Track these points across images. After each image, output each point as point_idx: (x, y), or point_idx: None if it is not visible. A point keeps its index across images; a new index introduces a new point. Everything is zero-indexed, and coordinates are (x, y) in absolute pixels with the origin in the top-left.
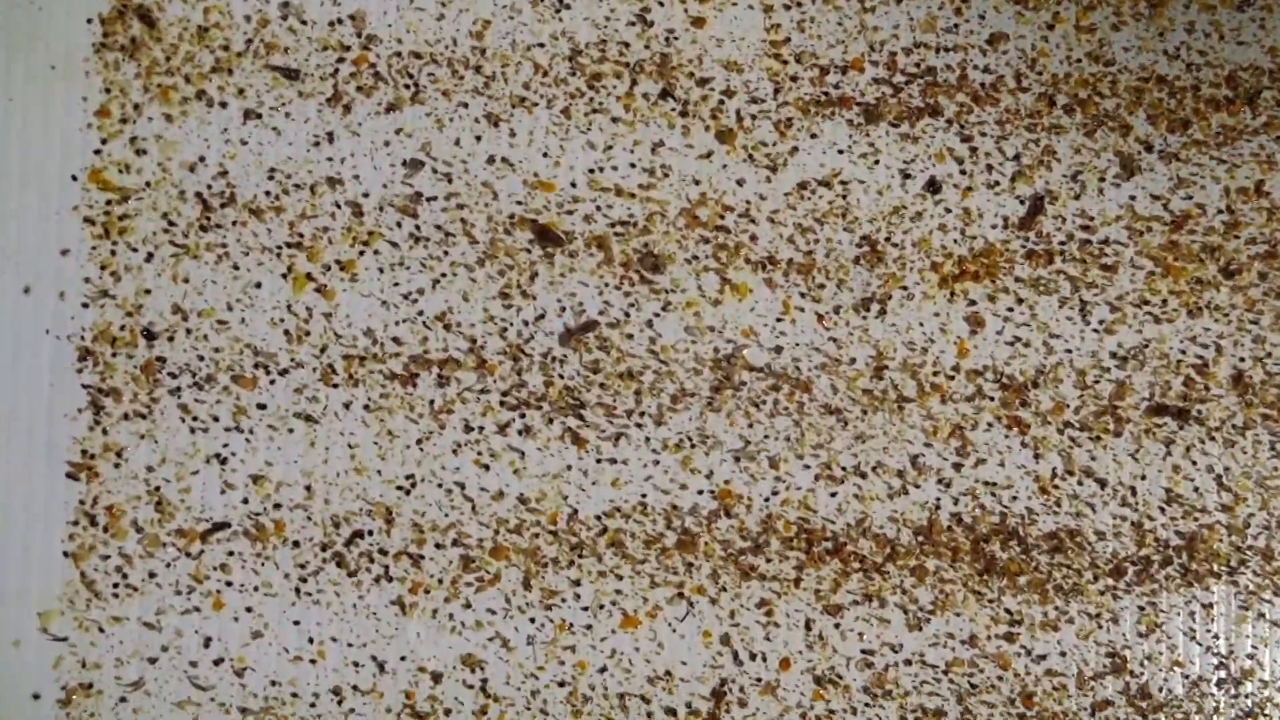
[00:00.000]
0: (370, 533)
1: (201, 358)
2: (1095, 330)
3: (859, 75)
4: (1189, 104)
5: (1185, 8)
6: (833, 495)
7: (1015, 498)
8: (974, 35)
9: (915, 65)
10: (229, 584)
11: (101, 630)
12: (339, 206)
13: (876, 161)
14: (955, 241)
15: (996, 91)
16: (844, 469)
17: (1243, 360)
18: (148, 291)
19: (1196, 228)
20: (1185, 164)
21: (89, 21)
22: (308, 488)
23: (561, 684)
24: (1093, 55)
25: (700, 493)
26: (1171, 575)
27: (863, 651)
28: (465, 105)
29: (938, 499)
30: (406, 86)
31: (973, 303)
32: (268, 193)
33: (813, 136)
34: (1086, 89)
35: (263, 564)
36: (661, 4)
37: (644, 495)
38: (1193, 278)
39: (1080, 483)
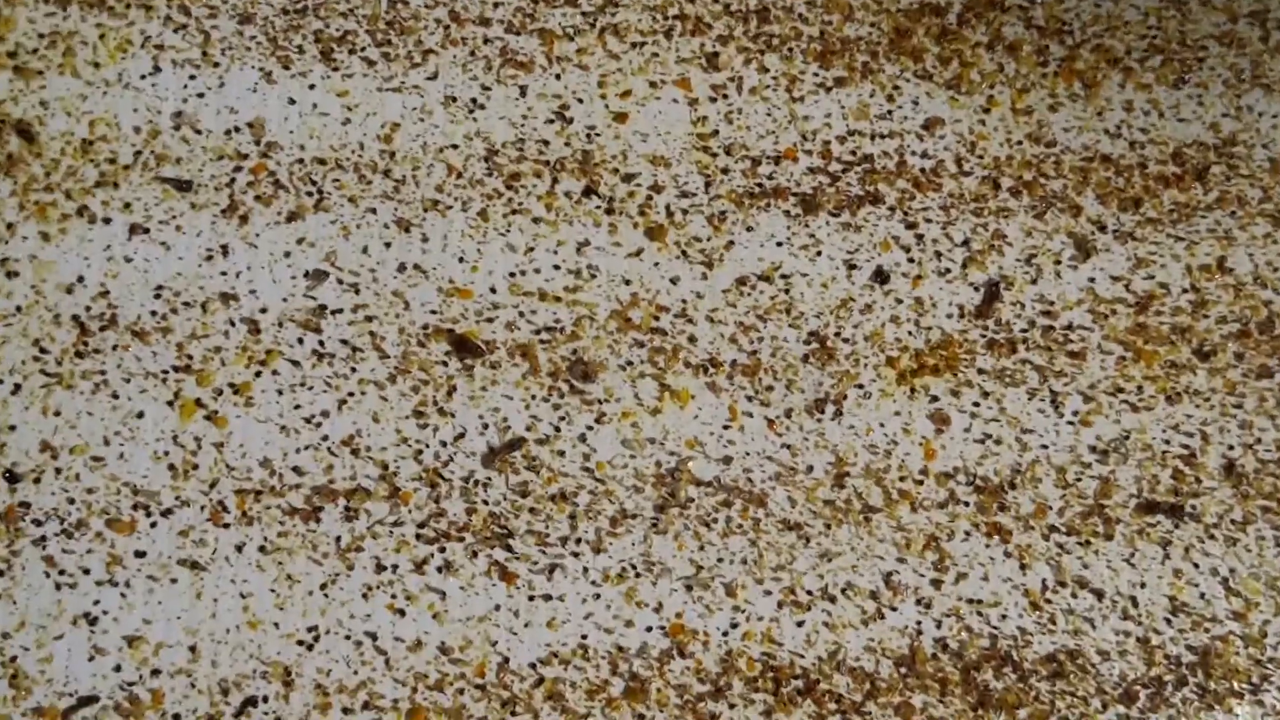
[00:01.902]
0: (265, 699)
1: (72, 500)
2: (1070, 423)
3: (793, 165)
4: (1138, 182)
5: (1120, 87)
6: (800, 624)
7: (1005, 616)
8: (909, 121)
9: (851, 153)
10: None
11: None
12: (233, 324)
13: (819, 253)
14: (910, 334)
15: (938, 176)
16: (810, 593)
17: (1231, 449)
18: (12, 428)
19: (1163, 308)
20: (1142, 243)
21: None
22: (192, 648)
23: None
24: (1033, 137)
25: (649, 629)
26: (1189, 698)
27: None
28: (373, 211)
29: (918, 622)
30: (309, 194)
31: (935, 399)
32: (154, 312)
33: (749, 229)
34: (1031, 170)
35: None
36: (581, 100)
37: (584, 636)
38: (1166, 361)
39: (1074, 595)
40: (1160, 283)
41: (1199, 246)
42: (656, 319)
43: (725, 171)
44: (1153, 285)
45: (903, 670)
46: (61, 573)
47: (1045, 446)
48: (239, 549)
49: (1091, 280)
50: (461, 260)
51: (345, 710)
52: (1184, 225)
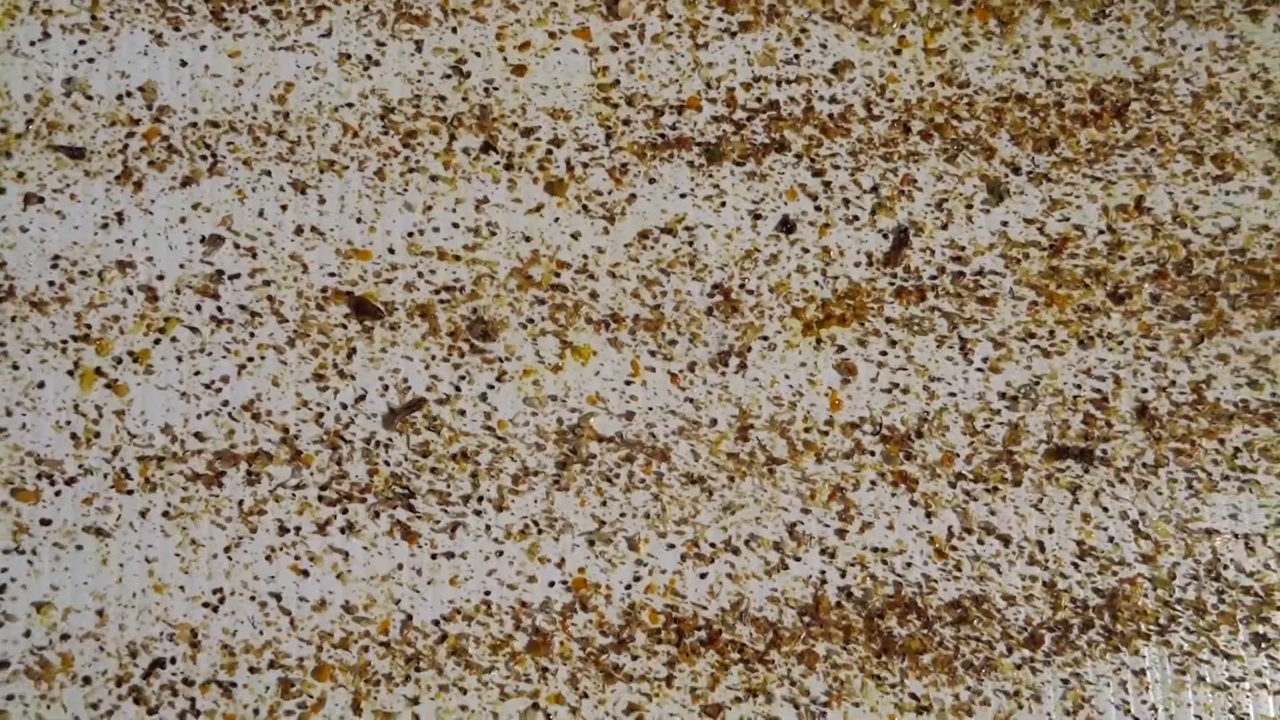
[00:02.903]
0: (173, 660)
1: None
2: (979, 370)
3: (696, 114)
4: (1054, 122)
5: (1038, 23)
6: (703, 576)
7: (909, 564)
8: (817, 65)
9: (756, 100)
10: None
11: None
12: (131, 292)
13: (723, 204)
14: (817, 284)
15: (846, 122)
16: (713, 545)
17: (1145, 391)
18: None
19: (1078, 251)
20: (1057, 184)
21: None
22: (100, 612)
23: None
24: (945, 78)
25: (551, 584)
26: (1095, 640)
27: None
28: (268, 173)
29: (822, 572)
30: (203, 158)
31: (841, 349)
32: (51, 282)
33: (651, 181)
34: (942, 113)
35: (48, 707)
36: (478, 54)
37: (487, 593)
38: (1080, 305)
39: (981, 541)
40: (1075, 225)
41: (1116, 186)
42: (557, 275)
43: (627, 123)
44: (1067, 228)
45: (806, 619)
46: None
47: (954, 394)
48: (143, 515)
49: (1004, 224)
50: (359, 221)
51: (252, 670)
52: (1101, 165)
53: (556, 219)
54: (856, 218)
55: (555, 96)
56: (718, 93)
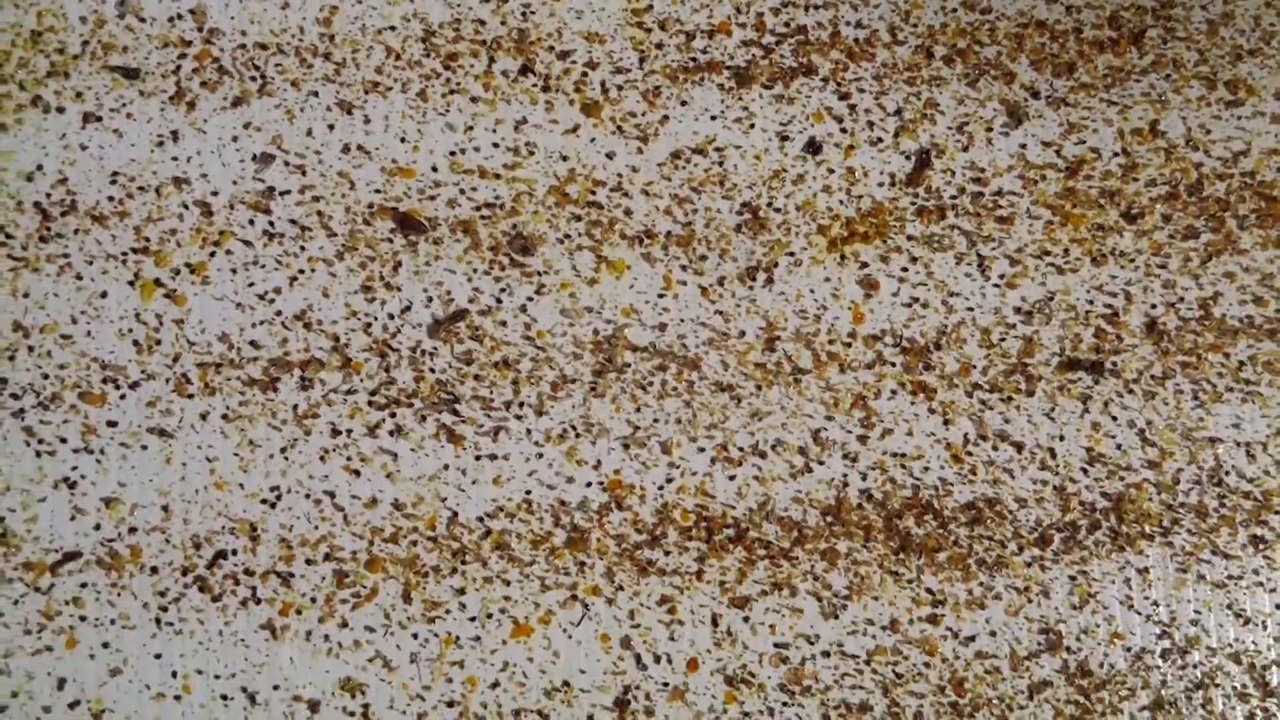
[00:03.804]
0: (234, 552)
1: (46, 376)
2: (996, 285)
3: (727, 39)
4: (1072, 47)
5: None
6: (731, 479)
7: (927, 469)
8: None
9: (785, 25)
10: (83, 619)
11: None
12: (187, 207)
13: (752, 125)
14: (841, 203)
15: (871, 46)
16: (741, 449)
17: (1154, 307)
18: None
19: (1093, 173)
20: (1075, 108)
21: None
22: (165, 508)
23: (450, 704)
24: (968, 4)
25: (589, 485)
26: (1101, 540)
27: (776, 646)
28: (316, 94)
29: (844, 475)
30: (253, 79)
31: (864, 265)
32: (111, 198)
33: (683, 104)
34: (965, 38)
35: (119, 594)
36: None
37: (528, 492)
38: (1093, 224)
39: (995, 448)
40: (1091, 147)
41: (1132, 110)
42: (593, 193)
43: (659, 47)
44: (1083, 150)
45: (829, 519)
46: (40, 441)
47: (971, 309)
48: (203, 417)
49: (1023, 147)
50: (403, 140)
51: (308, 561)
52: (1118, 90)
53: (592, 139)
54: (880, 140)
55: (590, 20)
56: (747, 17)
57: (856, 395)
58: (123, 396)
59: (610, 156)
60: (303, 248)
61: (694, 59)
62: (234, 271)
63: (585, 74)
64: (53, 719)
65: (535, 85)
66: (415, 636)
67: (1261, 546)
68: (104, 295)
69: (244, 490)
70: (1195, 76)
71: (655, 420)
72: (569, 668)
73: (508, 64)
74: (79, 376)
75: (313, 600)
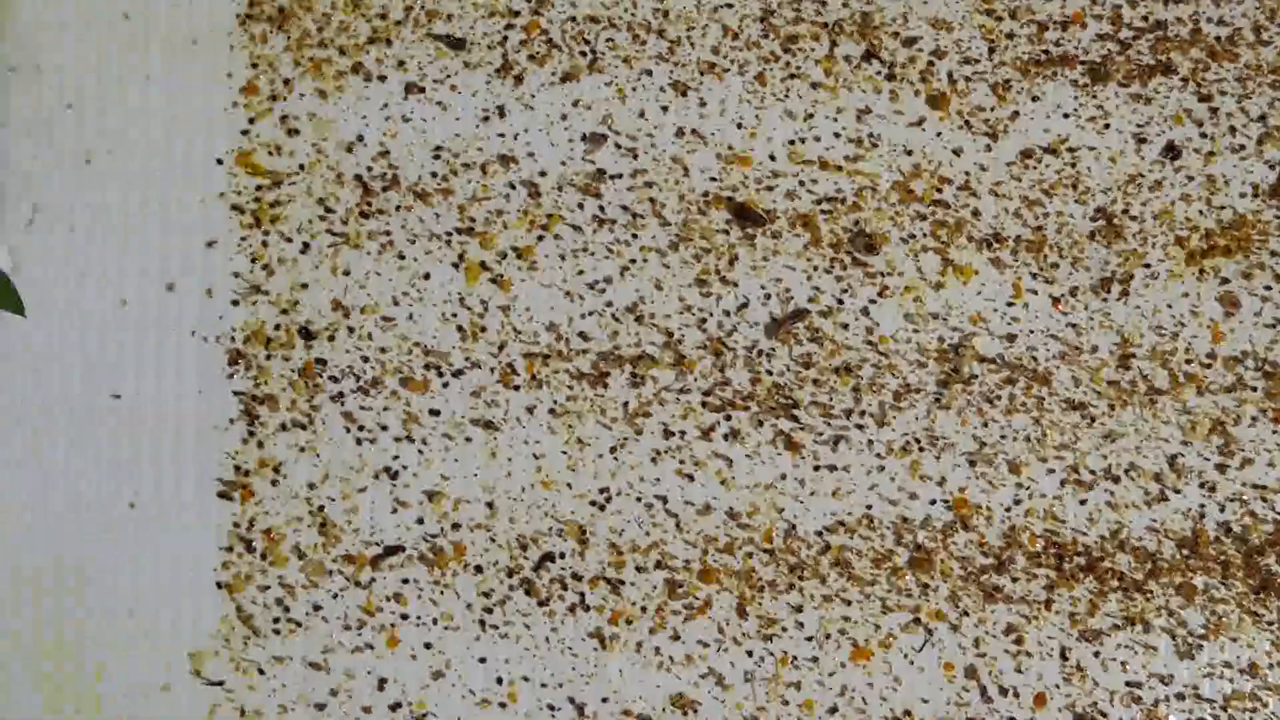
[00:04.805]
0: (562, 555)
1: (366, 359)
2: None
3: (1081, 31)
4: None
5: None
6: (1082, 503)
7: None
8: None
9: (1142, 19)
10: (404, 617)
11: (261, 672)
12: (513, 187)
13: (1107, 125)
14: (1201, 213)
15: (1234, 46)
16: (1093, 473)
17: None
18: (304, 286)
19: None
20: None
21: None
22: (489, 504)
23: None
24: None
25: (933, 503)
26: None
27: (1127, 684)
28: (649, 73)
29: (1201, 506)
30: (583, 54)
31: (1225, 281)
32: (434, 174)
33: (1034, 99)
34: None
35: (441, 593)
36: None
37: (869, 506)
38: None
39: None
40: None
41: None
42: (939, 191)
43: (1010, 37)
44: None
45: (1185, 552)
46: (361, 428)
47: None
48: (530, 411)
49: None
50: (739, 126)
51: (639, 569)
52: None
53: (939, 133)
54: (1243, 146)
55: (937, 6)
56: (1103, 9)
57: (1215, 420)
58: (446, 385)
59: (957, 153)
60: (634, 236)
61: (1046, 51)
62: (562, 258)
63: (931, 63)
64: None
65: (879, 73)
66: (750, 654)
67: None
68: (426, 277)
69: (572, 490)
70: None
71: (1002, 437)
72: (910, 696)
73: (850, 49)
74: (400, 361)
75: (643, 610)
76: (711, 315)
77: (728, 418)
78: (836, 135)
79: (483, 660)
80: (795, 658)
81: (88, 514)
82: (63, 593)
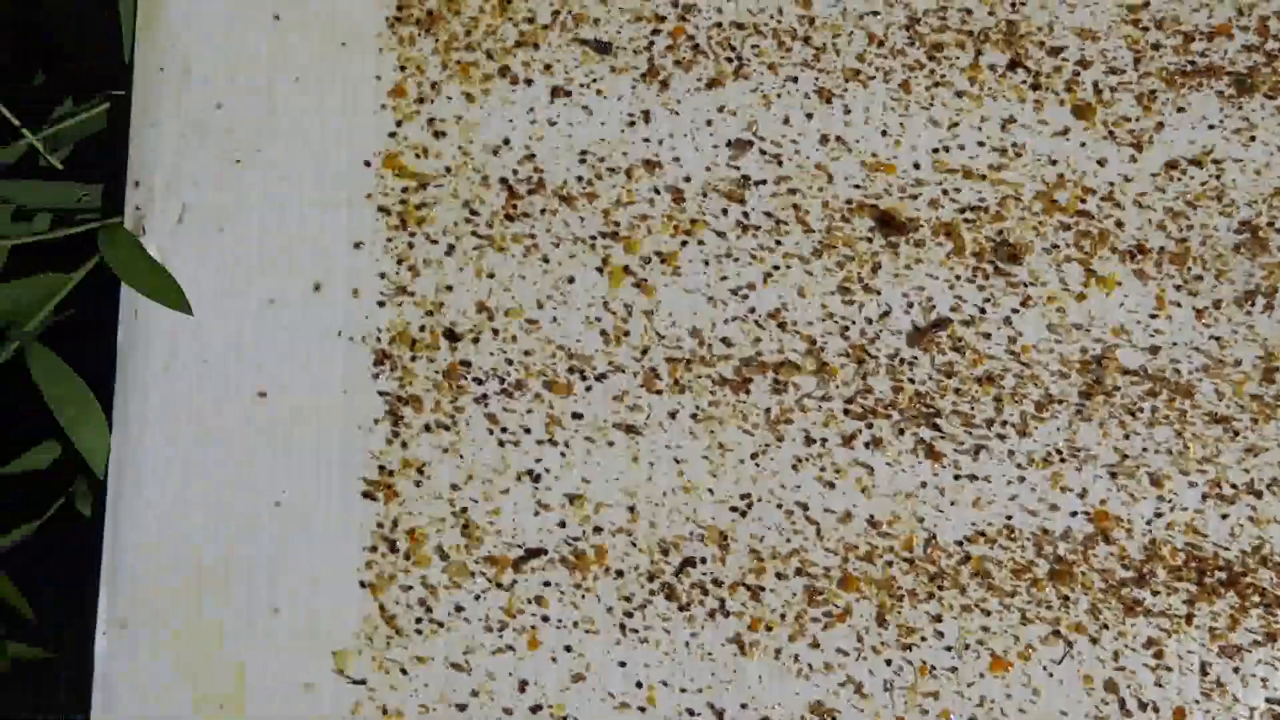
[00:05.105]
0: (703, 560)
1: (510, 361)
2: None
3: (1227, 42)
4: None
5: None
6: (1224, 517)
7: None
8: None
9: None
10: (545, 619)
11: (404, 672)
12: (658, 192)
13: (1253, 138)
14: None
15: None
16: (1235, 487)
17: None
18: (449, 288)
19: None
20: None
21: None
22: (631, 509)
23: None
24: None
25: (1074, 514)
26: None
27: (1268, 701)
28: (794, 80)
29: None
30: (729, 60)
31: None
32: (579, 177)
33: (1180, 110)
34: None
35: (583, 596)
36: None
37: (1009, 517)
38: None
39: None
40: None
41: None
42: (1083, 201)
43: (1156, 47)
44: None
45: None
46: (504, 430)
47: None
48: (672, 415)
49: None
50: (884, 134)
51: (779, 575)
52: None
53: (1083, 144)
54: None
55: (1083, 16)
56: (1249, 20)
57: None
58: (589, 388)
59: (1101, 163)
60: (778, 242)
61: (1192, 62)
62: (706, 263)
63: (1077, 73)
64: None
65: (1024, 82)
66: (889, 663)
67: None
68: (571, 280)
69: (713, 496)
70: None
71: (1144, 450)
72: (1049, 709)
73: (995, 58)
74: (544, 364)
75: (782, 616)
76: (854, 323)
77: (869, 425)
78: (980, 144)
79: (622, 664)
80: (934, 667)
81: (232, 513)
82: (207, 591)
